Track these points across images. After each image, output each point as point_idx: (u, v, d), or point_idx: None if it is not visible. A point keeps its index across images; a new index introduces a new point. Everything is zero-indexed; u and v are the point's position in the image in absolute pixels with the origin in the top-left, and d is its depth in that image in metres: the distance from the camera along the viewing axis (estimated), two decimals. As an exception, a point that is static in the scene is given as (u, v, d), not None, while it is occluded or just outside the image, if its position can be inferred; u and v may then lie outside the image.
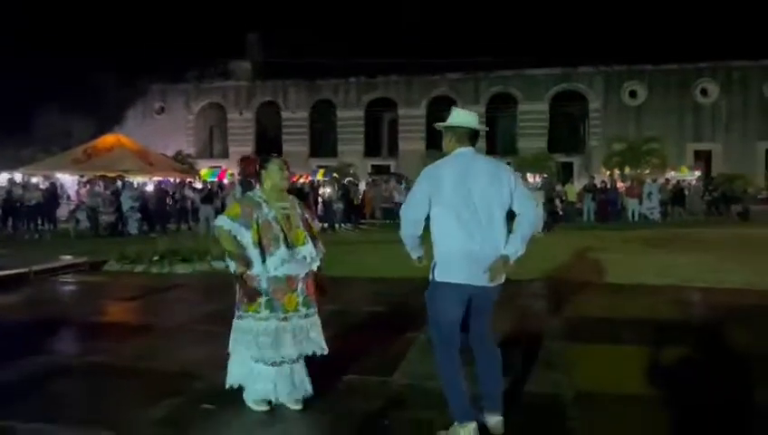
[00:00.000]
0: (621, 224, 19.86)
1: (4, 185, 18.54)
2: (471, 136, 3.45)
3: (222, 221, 3.78)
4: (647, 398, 4.01)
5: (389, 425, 3.66)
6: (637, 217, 20.89)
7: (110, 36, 39.05)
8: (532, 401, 3.97)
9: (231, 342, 3.85)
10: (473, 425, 3.23)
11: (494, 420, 3.35)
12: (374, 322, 6.36)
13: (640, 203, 21.24)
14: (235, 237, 3.74)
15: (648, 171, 29.20)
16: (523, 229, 3.33)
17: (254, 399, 3.82)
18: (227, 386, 3.88)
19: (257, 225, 3.74)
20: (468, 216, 3.22)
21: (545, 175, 25.14)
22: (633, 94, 35.84)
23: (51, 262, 9.93)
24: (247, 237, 3.72)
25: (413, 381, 4.34)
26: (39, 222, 17.43)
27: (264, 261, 3.72)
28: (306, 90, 38.93)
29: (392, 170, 34.52)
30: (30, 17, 37.59)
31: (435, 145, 36.11)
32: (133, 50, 34.58)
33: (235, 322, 3.83)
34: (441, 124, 3.53)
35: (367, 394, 4.12)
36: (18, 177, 20.78)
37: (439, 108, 37.72)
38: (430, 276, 3.35)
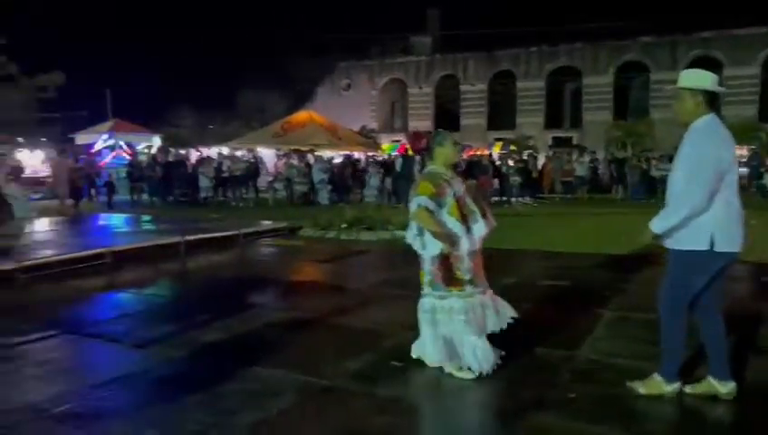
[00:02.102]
0: None
1: (215, 158, 20.89)
2: (714, 100, 3.34)
3: (420, 201, 3.72)
4: None
5: (575, 398, 3.64)
6: None
7: (303, 16, 41.60)
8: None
9: (431, 323, 3.89)
10: (677, 385, 3.51)
11: (729, 386, 3.45)
12: (556, 296, 6.26)
13: None
14: (435, 216, 3.74)
15: None
16: None
17: (462, 366, 3.90)
18: (415, 355, 4.06)
19: (455, 201, 3.80)
20: (736, 184, 3.31)
21: (753, 147, 22.37)
22: None
23: (256, 226, 11.10)
24: (446, 215, 3.76)
25: (600, 357, 4.26)
26: (244, 191, 19.43)
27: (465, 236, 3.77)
28: (485, 62, 38.41)
29: (574, 142, 32.94)
30: (233, 4, 41.28)
31: (622, 115, 33.78)
32: (323, 29, 36.61)
33: (436, 302, 3.84)
34: (691, 84, 3.33)
35: (552, 367, 4.12)
36: (225, 150, 23.28)
37: (629, 75, 35.11)
38: (694, 246, 3.27)
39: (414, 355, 4.11)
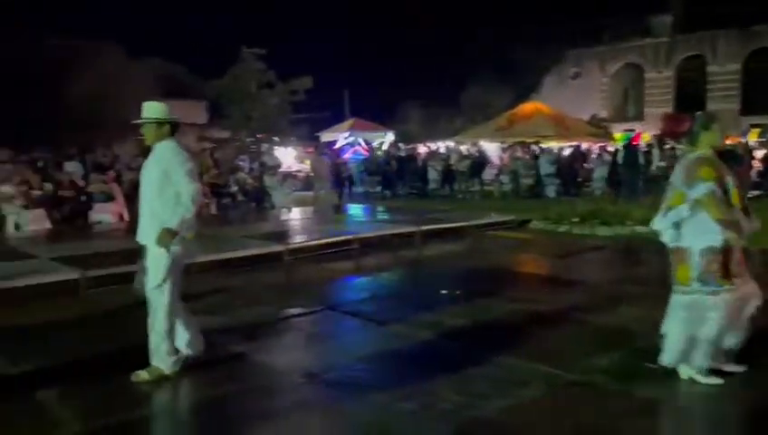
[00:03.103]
0: None
1: (443, 152, 21.52)
2: None
3: (709, 186, 3.45)
4: None
5: None
6: None
7: (526, 8, 40.84)
8: None
9: (686, 321, 3.60)
10: None
11: None
12: None
13: None
14: (722, 204, 3.47)
15: None
16: None
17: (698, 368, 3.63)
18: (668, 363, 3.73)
19: (733, 189, 3.50)
20: None
21: None
22: None
23: (486, 218, 11.24)
24: (728, 204, 3.49)
25: None
26: (470, 184, 19.72)
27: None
28: (738, 39, 33.85)
29: None
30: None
31: None
32: (548, 19, 35.56)
33: (705, 298, 3.54)
34: None
35: None
36: (450, 145, 23.84)
37: None
38: None
39: (666, 362, 3.79)
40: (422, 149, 24.58)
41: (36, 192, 11.56)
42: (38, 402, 3.65)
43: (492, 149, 23.56)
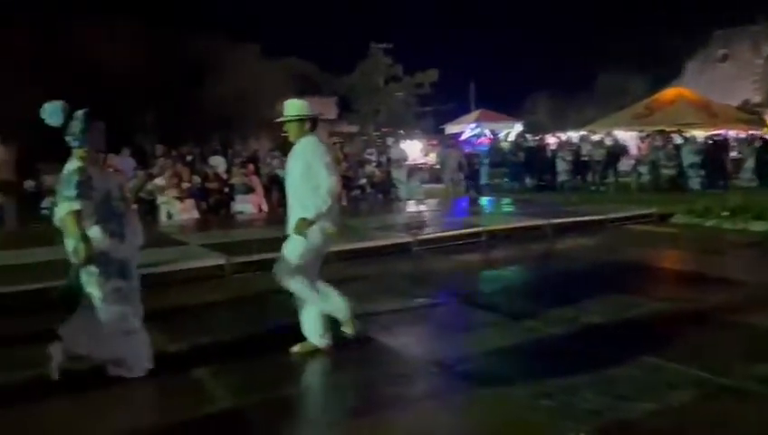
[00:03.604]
0: None
1: (575, 142, 20.62)
2: None
3: None
4: None
5: None
6: None
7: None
8: None
9: None
10: None
11: None
12: None
13: None
14: None
15: None
16: None
17: None
18: None
19: None
20: None
21: None
22: None
23: (623, 211, 10.64)
24: None
25: None
26: (604, 175, 18.76)
27: None
28: None
29: None
30: None
31: None
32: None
33: None
34: None
35: None
36: (581, 135, 22.75)
37: None
38: None
39: None
40: (550, 139, 23.76)
41: (186, 184, 12.56)
42: (194, 379, 3.96)
43: (628, 138, 22.25)
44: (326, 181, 3.96)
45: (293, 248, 4.06)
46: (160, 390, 3.84)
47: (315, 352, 4.22)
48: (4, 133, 11.69)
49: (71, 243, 3.66)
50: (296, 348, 4.23)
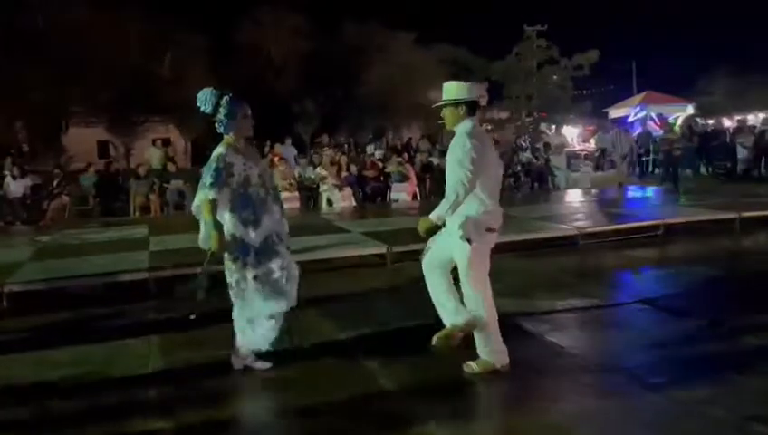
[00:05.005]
0: None
1: (753, 125, 18.31)
2: None
3: None
4: None
5: None
6: None
7: None
8: None
9: None
10: None
11: None
12: None
13: None
14: None
15: None
16: None
17: None
18: None
19: None
20: None
21: None
22: None
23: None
24: None
25: None
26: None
27: None
28: None
29: None
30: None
31: None
32: None
33: None
34: None
35: None
36: (765, 118, 20.15)
37: None
38: None
39: None
40: (728, 123, 21.38)
41: (345, 173, 12.89)
42: (364, 367, 3.96)
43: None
44: (451, 176, 3.55)
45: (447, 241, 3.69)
46: (335, 379, 3.85)
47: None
48: (181, 121, 12.67)
49: (203, 230, 3.73)
50: (472, 365, 3.74)
